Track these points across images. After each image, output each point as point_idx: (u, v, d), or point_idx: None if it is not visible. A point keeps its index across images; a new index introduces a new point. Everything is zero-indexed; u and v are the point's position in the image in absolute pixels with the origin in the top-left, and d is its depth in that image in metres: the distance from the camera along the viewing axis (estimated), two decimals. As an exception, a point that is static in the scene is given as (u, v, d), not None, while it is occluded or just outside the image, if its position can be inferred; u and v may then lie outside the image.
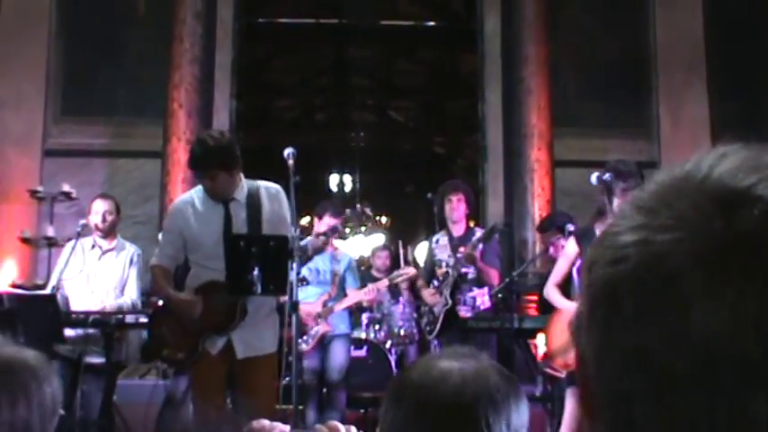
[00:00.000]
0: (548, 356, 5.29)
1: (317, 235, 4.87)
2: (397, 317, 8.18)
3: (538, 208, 9.71)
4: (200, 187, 4.91)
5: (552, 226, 6.97)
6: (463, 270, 6.66)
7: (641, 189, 0.70)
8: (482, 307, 6.68)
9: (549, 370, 5.39)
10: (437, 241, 7.00)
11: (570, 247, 5.26)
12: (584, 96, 10.60)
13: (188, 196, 5.00)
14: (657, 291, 0.61)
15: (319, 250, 4.93)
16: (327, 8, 13.95)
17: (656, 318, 0.61)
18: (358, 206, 4.90)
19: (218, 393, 4.72)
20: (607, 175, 4.77)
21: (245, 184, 4.84)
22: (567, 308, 5.10)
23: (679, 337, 0.60)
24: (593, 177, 4.78)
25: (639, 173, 4.91)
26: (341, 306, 6.96)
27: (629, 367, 0.63)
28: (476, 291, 6.70)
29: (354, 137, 17.61)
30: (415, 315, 8.07)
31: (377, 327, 8.25)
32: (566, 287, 5.32)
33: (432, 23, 14.90)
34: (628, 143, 10.40)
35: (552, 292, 5.30)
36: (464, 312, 6.63)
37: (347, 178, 18.70)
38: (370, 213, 4.88)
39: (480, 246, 6.66)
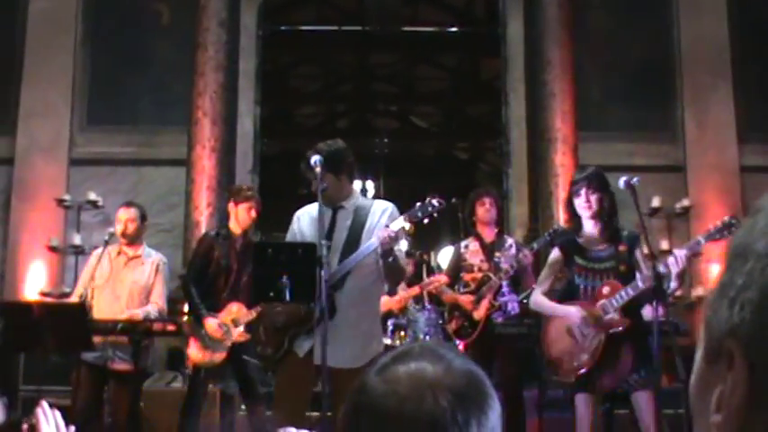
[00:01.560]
0: (552, 364, 5.24)
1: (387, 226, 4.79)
2: (422, 323, 8.16)
3: (563, 213, 9.66)
4: None
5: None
6: (514, 273, 6.66)
7: None
8: (513, 312, 6.68)
9: (558, 378, 5.33)
10: (466, 246, 6.98)
11: (555, 257, 5.27)
12: (609, 100, 10.55)
13: (311, 205, 5.03)
14: None
15: (393, 242, 4.82)
16: (350, 15, 13.99)
17: None
18: (428, 198, 4.68)
19: (298, 395, 4.70)
20: (635, 179, 4.77)
21: (357, 197, 4.94)
22: (562, 313, 5.07)
23: None
24: (621, 181, 4.76)
25: (589, 175, 5.06)
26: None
27: None
28: (507, 296, 6.70)
29: (377, 143, 17.59)
30: (440, 321, 8.05)
31: (402, 333, 8.23)
32: (568, 292, 5.27)
33: (454, 29, 14.88)
34: (653, 147, 10.36)
35: (542, 300, 5.24)
36: (495, 317, 6.65)
37: (370, 184, 18.68)
38: (437, 203, 4.67)
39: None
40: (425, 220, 4.70)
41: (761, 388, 0.69)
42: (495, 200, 6.99)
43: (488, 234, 6.91)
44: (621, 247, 4.96)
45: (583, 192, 4.99)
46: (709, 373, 0.74)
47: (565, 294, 5.18)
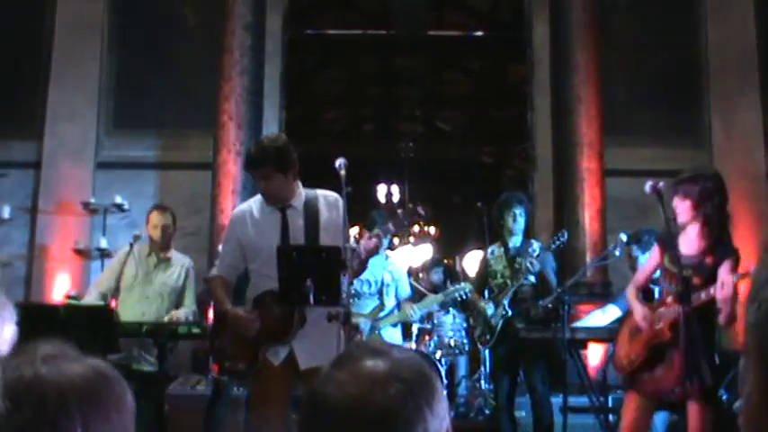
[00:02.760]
0: (613, 357, 5.23)
1: (370, 237, 4.76)
2: (447, 327, 8.15)
3: (588, 218, 9.62)
4: (258, 196, 4.89)
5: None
6: (524, 279, 6.64)
7: None
8: (536, 318, 6.66)
9: (620, 372, 5.26)
10: (492, 252, 6.97)
11: (654, 252, 5.09)
12: (635, 104, 10.49)
13: (246, 205, 4.99)
14: None
15: (372, 252, 4.74)
16: (375, 19, 14.00)
17: None
18: (410, 205, 4.70)
19: (279, 404, 4.63)
20: (661, 184, 4.70)
21: (302, 192, 4.83)
22: (633, 308, 5.01)
23: None
24: (647, 186, 4.70)
25: (709, 178, 4.80)
26: (392, 320, 6.95)
27: None
28: (528, 302, 6.67)
29: (402, 147, 17.61)
30: (465, 325, 8.04)
31: (427, 337, 8.23)
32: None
33: (479, 33, 14.86)
34: (679, 152, 10.27)
35: (628, 291, 5.17)
36: (518, 322, 6.63)
37: (395, 188, 18.68)
38: (422, 212, 4.68)
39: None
40: (414, 227, 4.70)
41: None
42: (526, 209, 6.95)
43: (515, 240, 6.88)
44: (708, 259, 4.69)
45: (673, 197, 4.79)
46: (743, 371, 0.73)
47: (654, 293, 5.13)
